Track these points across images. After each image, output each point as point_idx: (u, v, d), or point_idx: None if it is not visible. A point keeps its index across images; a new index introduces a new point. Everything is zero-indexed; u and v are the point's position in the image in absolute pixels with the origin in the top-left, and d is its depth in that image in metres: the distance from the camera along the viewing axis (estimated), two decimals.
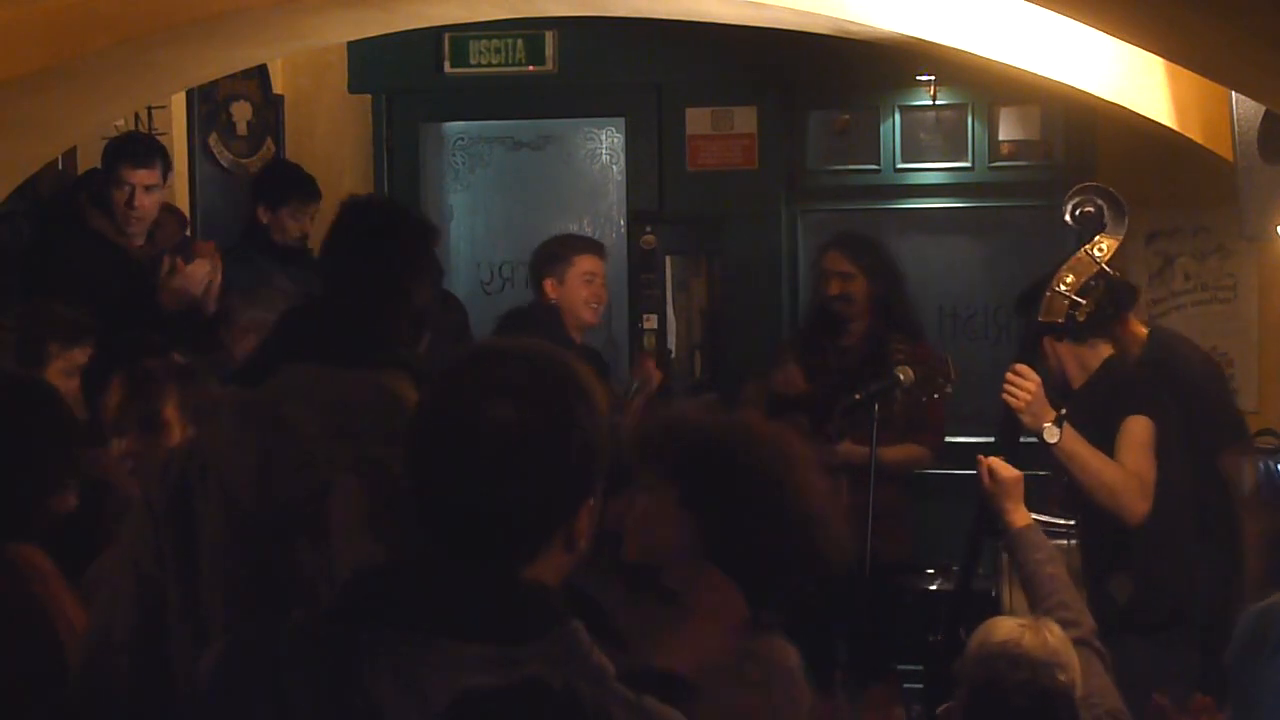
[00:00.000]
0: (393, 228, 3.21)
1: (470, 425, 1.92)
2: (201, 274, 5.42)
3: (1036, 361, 4.36)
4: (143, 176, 5.48)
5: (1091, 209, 4.28)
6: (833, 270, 5.82)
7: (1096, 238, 4.27)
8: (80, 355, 4.45)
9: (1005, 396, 4.29)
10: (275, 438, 2.86)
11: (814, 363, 5.75)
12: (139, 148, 5.60)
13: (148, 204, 5.53)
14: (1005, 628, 3.33)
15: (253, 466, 2.80)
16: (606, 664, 1.93)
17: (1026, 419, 4.27)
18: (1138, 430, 4.49)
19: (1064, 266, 4.26)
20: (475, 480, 1.92)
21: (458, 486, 1.93)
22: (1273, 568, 4.24)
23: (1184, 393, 4.66)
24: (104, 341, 4.47)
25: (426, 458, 1.96)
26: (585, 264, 5.46)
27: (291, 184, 6.20)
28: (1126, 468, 4.42)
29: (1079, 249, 4.29)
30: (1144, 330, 4.84)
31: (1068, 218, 4.31)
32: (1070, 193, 4.35)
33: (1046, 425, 4.29)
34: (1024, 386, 4.27)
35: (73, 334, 4.49)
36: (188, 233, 6.09)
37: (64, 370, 4.38)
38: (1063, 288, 4.26)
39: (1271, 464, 3.44)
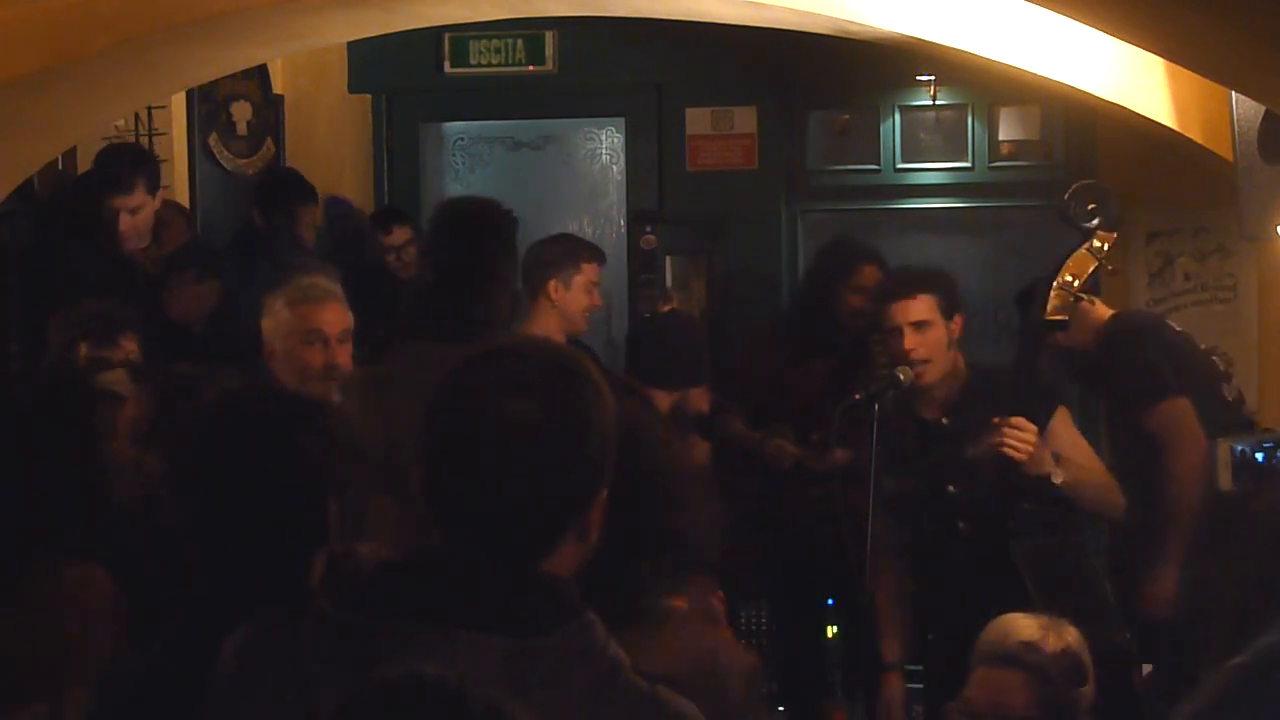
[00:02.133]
0: (487, 222, 3.89)
1: (490, 421, 1.93)
2: (209, 301, 5.40)
3: (1038, 358, 4.35)
4: (123, 202, 5.37)
5: (1092, 205, 4.30)
6: (869, 286, 5.64)
7: (1097, 234, 4.28)
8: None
9: (1007, 451, 4.20)
10: (404, 404, 3.29)
11: (798, 370, 5.70)
12: (117, 174, 5.45)
13: (133, 226, 5.45)
14: (1026, 627, 3.33)
15: (382, 429, 3.01)
16: (622, 656, 1.94)
17: (1030, 469, 4.22)
18: (1065, 423, 4.49)
19: (1067, 263, 4.27)
20: (494, 475, 1.93)
21: (477, 481, 1.94)
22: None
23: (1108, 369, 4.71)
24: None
25: (444, 452, 1.97)
26: (591, 273, 5.43)
27: (289, 192, 6.21)
28: (1093, 465, 4.48)
29: (1079, 246, 4.30)
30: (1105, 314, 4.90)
31: (1069, 215, 4.31)
32: (1070, 191, 4.36)
33: (1050, 469, 4.24)
34: (1025, 440, 4.19)
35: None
36: (196, 232, 6.06)
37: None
38: (1071, 283, 4.26)
39: (1248, 450, 3.40)
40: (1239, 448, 3.43)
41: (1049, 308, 4.27)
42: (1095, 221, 4.30)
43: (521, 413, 1.92)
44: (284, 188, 6.27)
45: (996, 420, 4.25)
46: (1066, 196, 4.36)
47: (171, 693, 2.40)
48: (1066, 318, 4.31)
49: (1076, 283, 4.27)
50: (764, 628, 5.45)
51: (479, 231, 3.85)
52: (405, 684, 1.55)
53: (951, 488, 4.54)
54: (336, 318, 4.29)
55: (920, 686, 4.67)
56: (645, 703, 1.93)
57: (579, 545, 2.00)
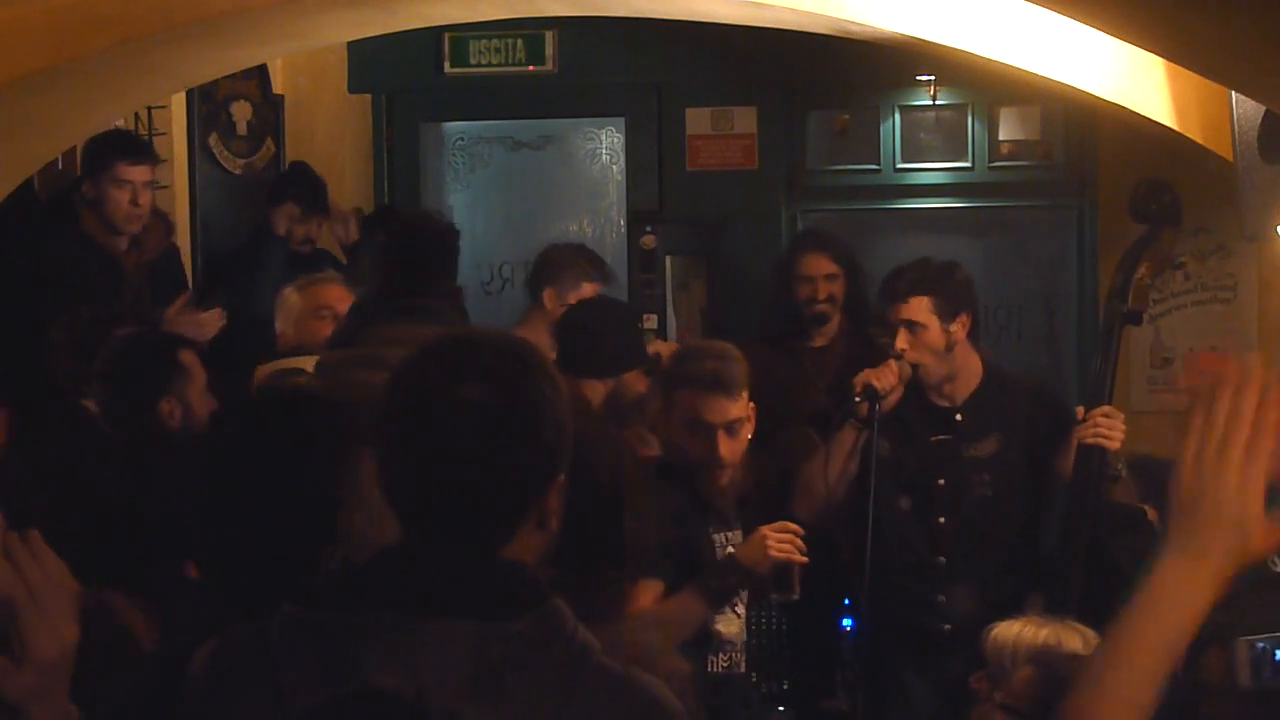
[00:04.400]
0: (423, 227, 4.79)
1: (443, 407, 1.95)
2: (211, 326, 5.26)
3: (1115, 351, 4.39)
4: (141, 173, 5.44)
5: (1160, 201, 4.36)
6: (816, 274, 5.61)
7: (1165, 230, 4.34)
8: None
9: (1098, 440, 4.26)
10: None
11: (790, 370, 5.64)
12: (135, 145, 5.55)
13: (148, 201, 5.51)
14: (1045, 633, 3.34)
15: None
16: (591, 640, 1.96)
17: (1115, 459, 4.29)
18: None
19: (1142, 258, 4.33)
20: (450, 461, 1.94)
21: (432, 468, 1.95)
22: None
23: None
24: None
25: (400, 440, 1.99)
26: (590, 293, 5.47)
27: (294, 191, 6.24)
28: None
29: (1150, 242, 4.35)
30: None
31: (1142, 212, 4.37)
32: (1138, 187, 4.42)
33: (1121, 466, 4.33)
34: (1117, 427, 4.28)
35: None
36: (175, 240, 6.02)
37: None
38: (1146, 277, 4.34)
39: (1269, 648, 3.35)
40: (1259, 644, 3.43)
41: (1131, 298, 4.32)
42: (1164, 219, 4.38)
43: (474, 398, 1.94)
44: (289, 188, 6.29)
45: (1082, 411, 4.32)
46: (1135, 193, 4.42)
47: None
48: (1144, 309, 4.40)
49: (1146, 277, 4.36)
50: (774, 626, 5.39)
51: (423, 238, 4.70)
52: (362, 697, 1.55)
53: (941, 481, 4.55)
54: (342, 295, 4.60)
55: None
56: (617, 685, 1.95)
57: (539, 533, 2.02)
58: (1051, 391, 4.89)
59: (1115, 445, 4.28)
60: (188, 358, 3.98)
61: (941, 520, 4.54)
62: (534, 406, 1.98)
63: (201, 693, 2.00)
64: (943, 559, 4.55)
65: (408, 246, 4.71)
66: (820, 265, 5.64)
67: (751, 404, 4.12)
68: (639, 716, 1.96)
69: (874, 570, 4.36)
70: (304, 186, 6.26)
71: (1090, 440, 4.28)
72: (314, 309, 4.72)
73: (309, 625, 1.95)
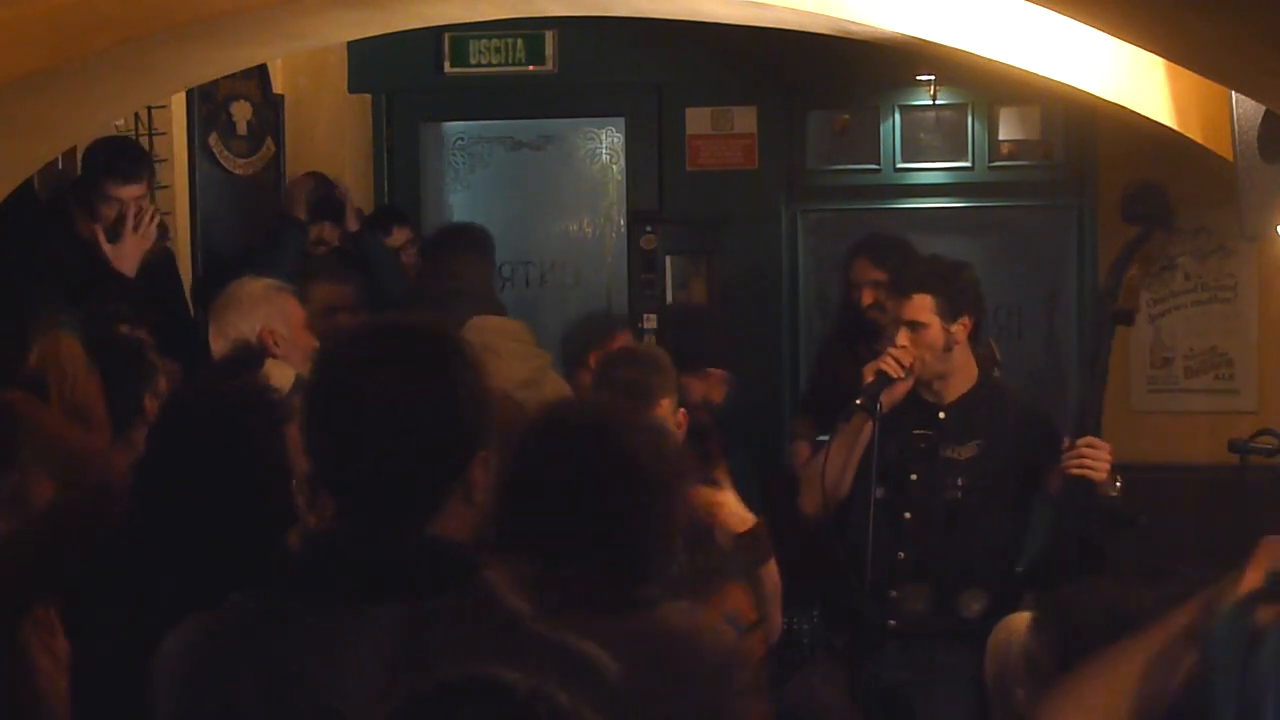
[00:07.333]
0: (481, 238, 5.69)
1: (358, 391, 2.04)
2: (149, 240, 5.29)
3: (1107, 351, 4.37)
4: (132, 192, 5.36)
5: (1150, 203, 4.38)
6: (863, 280, 5.66)
7: (1156, 232, 4.37)
8: None
9: (1082, 471, 4.21)
10: None
11: (852, 371, 5.63)
12: (126, 163, 5.43)
13: (147, 208, 5.49)
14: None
15: None
16: (520, 607, 2.02)
17: (1102, 490, 4.24)
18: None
19: (1133, 258, 4.34)
20: (364, 442, 2.03)
21: (349, 448, 2.05)
22: None
23: None
24: None
25: (320, 422, 2.09)
26: (624, 340, 5.57)
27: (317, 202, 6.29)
28: None
29: (1142, 243, 4.37)
30: None
31: (1133, 213, 4.38)
32: (1128, 189, 4.44)
33: (1113, 487, 4.27)
34: (1102, 458, 4.22)
35: None
36: (168, 244, 6.01)
37: None
38: (1138, 277, 4.36)
39: None
40: None
41: (1121, 297, 4.33)
42: (1156, 219, 4.41)
43: (386, 382, 2.03)
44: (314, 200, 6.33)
45: (1067, 443, 4.28)
46: (1126, 195, 4.45)
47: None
48: (1135, 309, 4.41)
49: (1138, 277, 4.38)
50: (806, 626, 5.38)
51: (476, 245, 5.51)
52: (469, 687, 1.58)
53: (913, 476, 4.54)
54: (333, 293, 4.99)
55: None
56: (548, 648, 2.00)
57: (467, 507, 2.08)
58: (1043, 411, 4.85)
59: (1101, 477, 4.23)
60: (154, 354, 4.11)
61: (907, 516, 4.52)
62: (449, 388, 2.06)
63: (164, 679, 2.07)
64: (902, 554, 4.53)
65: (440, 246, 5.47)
66: (866, 271, 5.66)
67: (682, 410, 4.16)
68: (572, 678, 1.97)
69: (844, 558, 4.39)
70: (327, 204, 6.30)
71: (1075, 472, 4.24)
72: (318, 311, 4.69)
73: (245, 613, 2.04)
